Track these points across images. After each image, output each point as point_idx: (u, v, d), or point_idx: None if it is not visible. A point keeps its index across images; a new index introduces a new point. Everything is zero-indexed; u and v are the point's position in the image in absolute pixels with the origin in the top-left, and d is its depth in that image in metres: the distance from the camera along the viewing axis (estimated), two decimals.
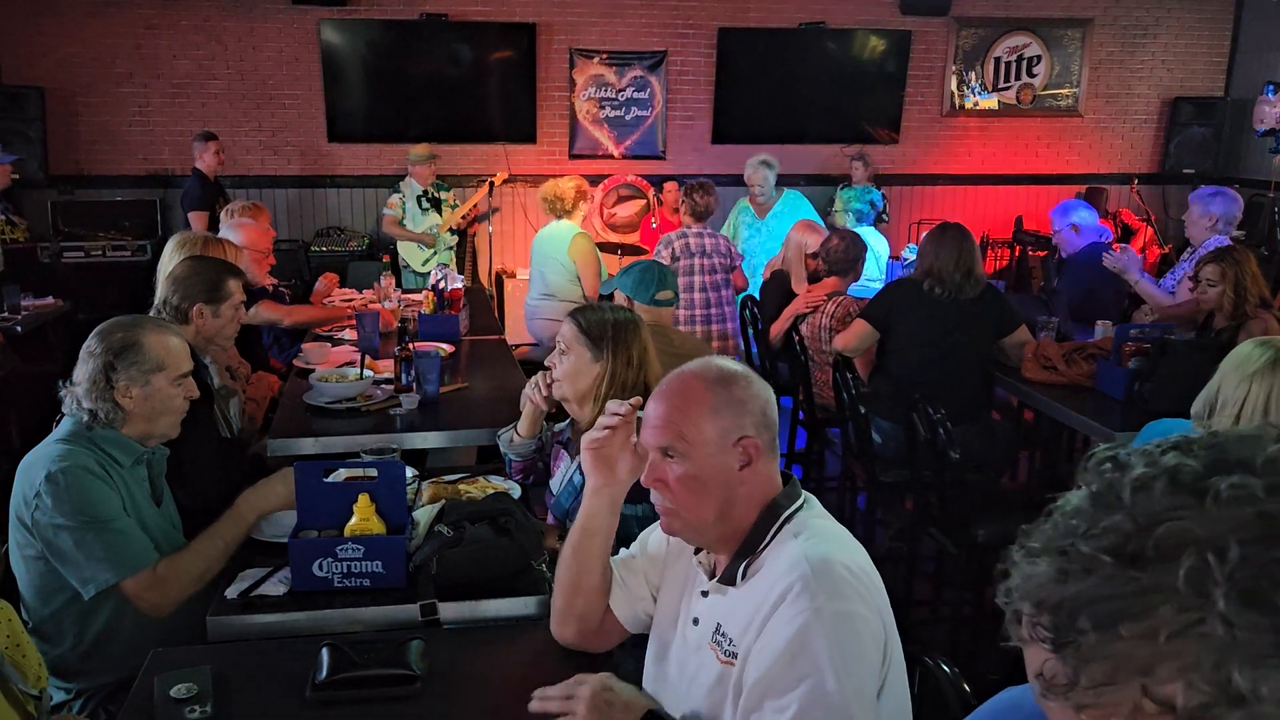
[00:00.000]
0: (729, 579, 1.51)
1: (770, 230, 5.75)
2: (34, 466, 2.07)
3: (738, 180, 7.36)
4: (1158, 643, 0.60)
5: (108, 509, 2.04)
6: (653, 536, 1.77)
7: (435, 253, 6.45)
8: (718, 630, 1.51)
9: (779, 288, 4.74)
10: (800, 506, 1.54)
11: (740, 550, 1.52)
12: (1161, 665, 0.60)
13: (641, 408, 1.65)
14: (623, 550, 1.83)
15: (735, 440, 1.49)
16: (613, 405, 1.69)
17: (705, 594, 1.57)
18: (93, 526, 2.01)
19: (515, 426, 2.62)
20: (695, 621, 1.57)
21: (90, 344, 2.14)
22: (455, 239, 6.70)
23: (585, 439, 1.69)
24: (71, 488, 2.01)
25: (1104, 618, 0.61)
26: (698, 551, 1.61)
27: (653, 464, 1.53)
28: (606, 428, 1.67)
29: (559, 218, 5.19)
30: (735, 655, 1.46)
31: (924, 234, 6.34)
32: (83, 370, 2.12)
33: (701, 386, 1.51)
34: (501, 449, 2.69)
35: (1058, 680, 0.64)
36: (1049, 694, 0.65)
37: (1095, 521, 0.64)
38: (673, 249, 4.90)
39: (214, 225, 5.49)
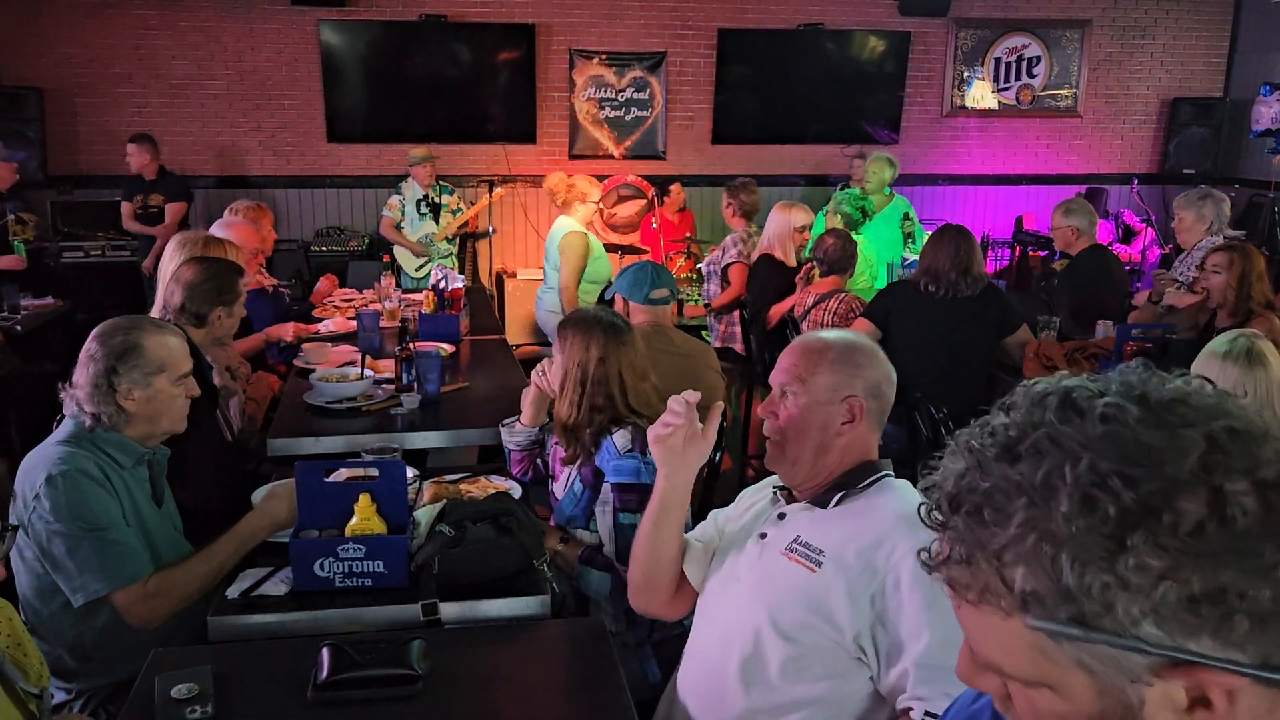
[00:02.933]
0: (820, 503, 1.70)
1: (874, 230, 5.70)
2: (34, 469, 2.06)
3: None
4: (1009, 530, 0.66)
5: (105, 516, 2.03)
6: (722, 514, 1.96)
7: (429, 260, 6.45)
8: (796, 540, 1.68)
9: (768, 269, 4.76)
10: (891, 475, 1.72)
11: (835, 484, 1.70)
12: (1009, 551, 0.67)
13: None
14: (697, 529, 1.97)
15: (844, 397, 1.69)
16: (674, 402, 1.75)
17: (782, 516, 1.75)
18: (88, 535, 2.00)
19: (520, 415, 2.66)
20: (763, 536, 1.75)
21: (90, 347, 2.13)
22: (452, 247, 6.69)
23: (650, 432, 1.77)
24: (69, 492, 2.00)
25: (976, 505, 0.69)
26: (778, 491, 1.80)
27: (771, 398, 1.76)
28: (669, 424, 1.73)
29: (561, 208, 5.22)
30: (820, 564, 1.62)
31: (922, 234, 6.35)
32: (83, 374, 2.11)
33: (828, 345, 1.74)
34: (503, 438, 2.70)
35: (938, 557, 0.72)
36: (929, 567, 0.73)
37: (999, 425, 0.72)
38: (740, 249, 4.97)
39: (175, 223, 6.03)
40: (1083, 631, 0.65)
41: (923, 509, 0.74)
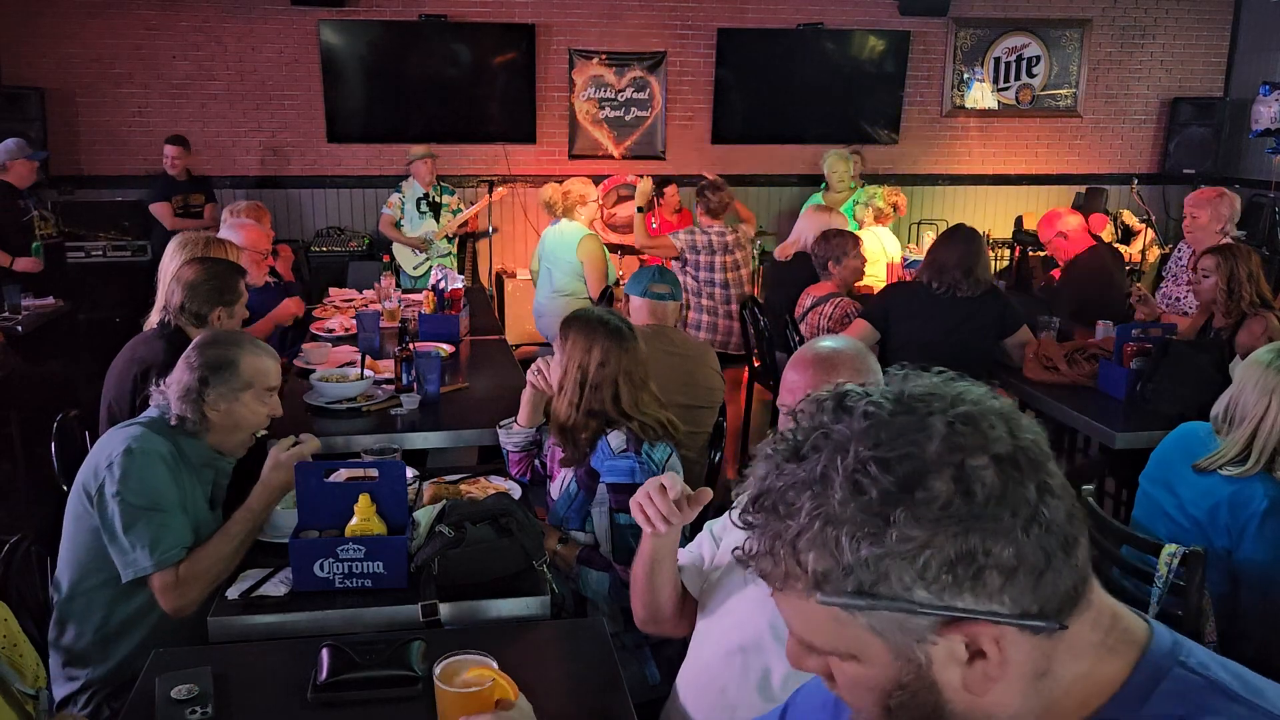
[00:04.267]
0: None
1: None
2: (113, 440, 2.17)
3: (737, 180, 7.39)
4: (799, 520, 0.75)
5: (167, 498, 2.12)
6: (716, 525, 1.92)
7: (428, 259, 6.46)
8: None
9: (804, 269, 4.73)
10: None
11: None
12: (801, 538, 0.75)
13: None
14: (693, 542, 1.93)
15: None
16: (657, 497, 1.62)
17: None
18: (147, 512, 2.08)
19: (517, 416, 2.66)
20: None
21: (190, 355, 2.27)
22: (452, 246, 6.70)
23: (633, 508, 1.66)
24: (143, 466, 2.10)
25: (772, 504, 0.77)
26: None
27: None
28: (654, 523, 1.62)
29: (559, 218, 5.25)
30: None
31: (922, 233, 6.37)
32: (178, 377, 2.25)
33: (846, 356, 1.67)
34: (501, 440, 2.70)
35: (746, 550, 0.80)
36: (742, 563, 0.81)
37: (788, 431, 0.81)
38: (679, 242, 4.96)
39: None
40: (866, 601, 0.74)
41: (732, 513, 0.82)
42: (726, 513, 1.88)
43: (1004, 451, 0.74)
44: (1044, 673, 0.77)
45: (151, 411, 2.28)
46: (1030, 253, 6.95)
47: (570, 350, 2.41)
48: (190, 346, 2.31)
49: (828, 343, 1.74)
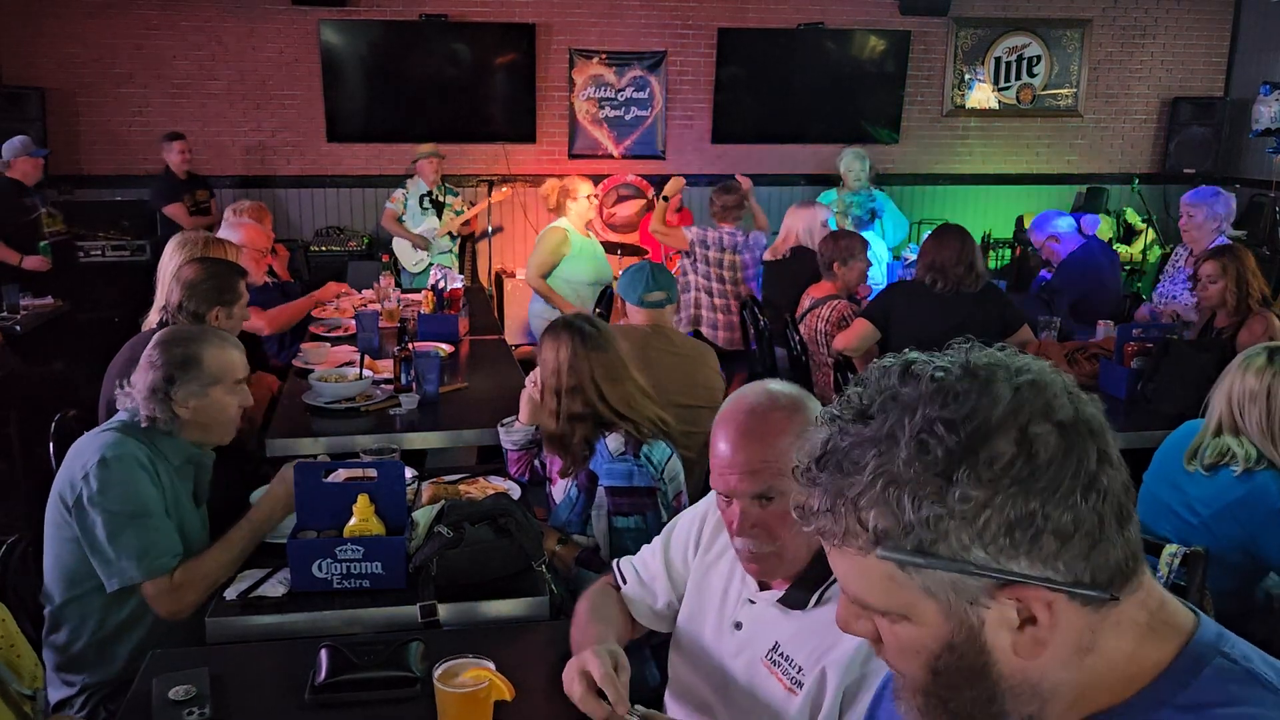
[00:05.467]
0: (797, 603, 1.46)
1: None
2: (86, 449, 2.11)
3: None
4: (863, 478, 0.76)
5: (149, 503, 2.08)
6: (675, 534, 1.75)
7: (428, 256, 6.47)
8: (775, 649, 1.47)
9: (805, 266, 4.72)
10: None
11: (808, 576, 1.45)
12: (864, 496, 0.76)
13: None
14: (644, 549, 1.81)
15: None
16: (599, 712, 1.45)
17: (752, 602, 1.54)
18: (132, 520, 2.04)
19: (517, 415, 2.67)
20: (738, 626, 1.56)
21: (151, 354, 2.20)
22: (454, 245, 6.70)
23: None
24: (120, 475, 2.06)
25: (837, 461, 0.78)
26: None
27: (745, 512, 1.43)
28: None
29: (555, 212, 5.28)
30: (801, 685, 1.42)
31: (923, 233, 6.36)
32: (142, 378, 2.18)
33: (781, 416, 1.43)
34: (501, 439, 2.70)
35: (807, 508, 0.80)
36: (802, 521, 0.82)
37: (854, 395, 0.82)
38: (691, 235, 5.03)
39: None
40: (924, 559, 0.74)
41: (796, 470, 0.82)
42: (691, 519, 1.74)
43: (1066, 418, 0.76)
44: (1089, 647, 0.78)
45: (121, 415, 2.21)
46: (1030, 252, 6.95)
47: (543, 358, 2.44)
48: (150, 344, 2.23)
49: (759, 396, 1.46)
